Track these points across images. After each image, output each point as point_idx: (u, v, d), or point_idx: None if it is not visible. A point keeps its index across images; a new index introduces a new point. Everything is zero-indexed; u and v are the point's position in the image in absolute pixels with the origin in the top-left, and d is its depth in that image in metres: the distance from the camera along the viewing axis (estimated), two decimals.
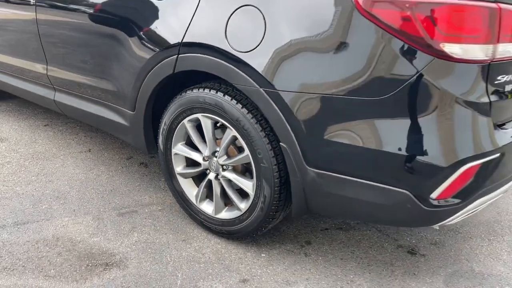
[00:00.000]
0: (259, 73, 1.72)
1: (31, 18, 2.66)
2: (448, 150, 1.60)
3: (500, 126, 1.72)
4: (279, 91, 1.70)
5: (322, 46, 1.61)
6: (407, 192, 1.62)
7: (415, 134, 1.58)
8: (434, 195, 1.65)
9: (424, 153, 1.59)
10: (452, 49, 1.51)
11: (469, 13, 1.50)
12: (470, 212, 1.82)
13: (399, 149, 1.60)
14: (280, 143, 1.78)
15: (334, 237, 2.22)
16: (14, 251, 2.00)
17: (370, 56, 1.54)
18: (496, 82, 1.64)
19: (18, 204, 2.36)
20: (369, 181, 1.67)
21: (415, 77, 1.51)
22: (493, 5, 1.52)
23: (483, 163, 1.64)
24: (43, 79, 2.80)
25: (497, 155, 1.67)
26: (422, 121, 1.57)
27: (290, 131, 1.73)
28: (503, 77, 1.66)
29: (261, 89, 1.74)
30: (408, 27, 1.49)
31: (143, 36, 2.09)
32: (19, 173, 2.67)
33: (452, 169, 1.62)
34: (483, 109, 1.62)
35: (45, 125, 3.38)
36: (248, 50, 1.74)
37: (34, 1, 2.61)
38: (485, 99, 1.61)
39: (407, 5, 1.48)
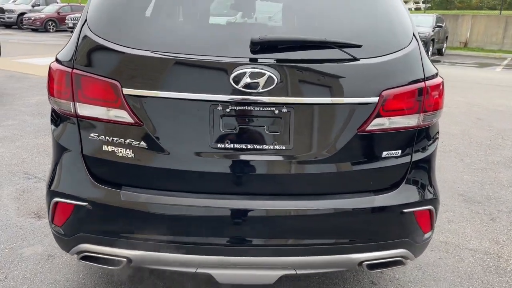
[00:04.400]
0: None
1: None
2: (51, 180, 1.86)
3: (106, 183, 1.77)
4: None
5: None
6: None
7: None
8: (53, 221, 1.88)
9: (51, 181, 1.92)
10: (54, 102, 1.84)
11: (53, 73, 1.82)
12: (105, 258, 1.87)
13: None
14: None
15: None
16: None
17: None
18: (90, 138, 1.74)
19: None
20: None
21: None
22: (68, 69, 1.73)
23: (76, 205, 1.74)
24: None
25: (85, 204, 1.73)
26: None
27: None
28: (96, 136, 1.73)
29: None
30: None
31: None
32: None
33: (50, 197, 1.82)
34: (78, 161, 1.77)
35: None
36: None
37: None
38: (77, 150, 1.77)
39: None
